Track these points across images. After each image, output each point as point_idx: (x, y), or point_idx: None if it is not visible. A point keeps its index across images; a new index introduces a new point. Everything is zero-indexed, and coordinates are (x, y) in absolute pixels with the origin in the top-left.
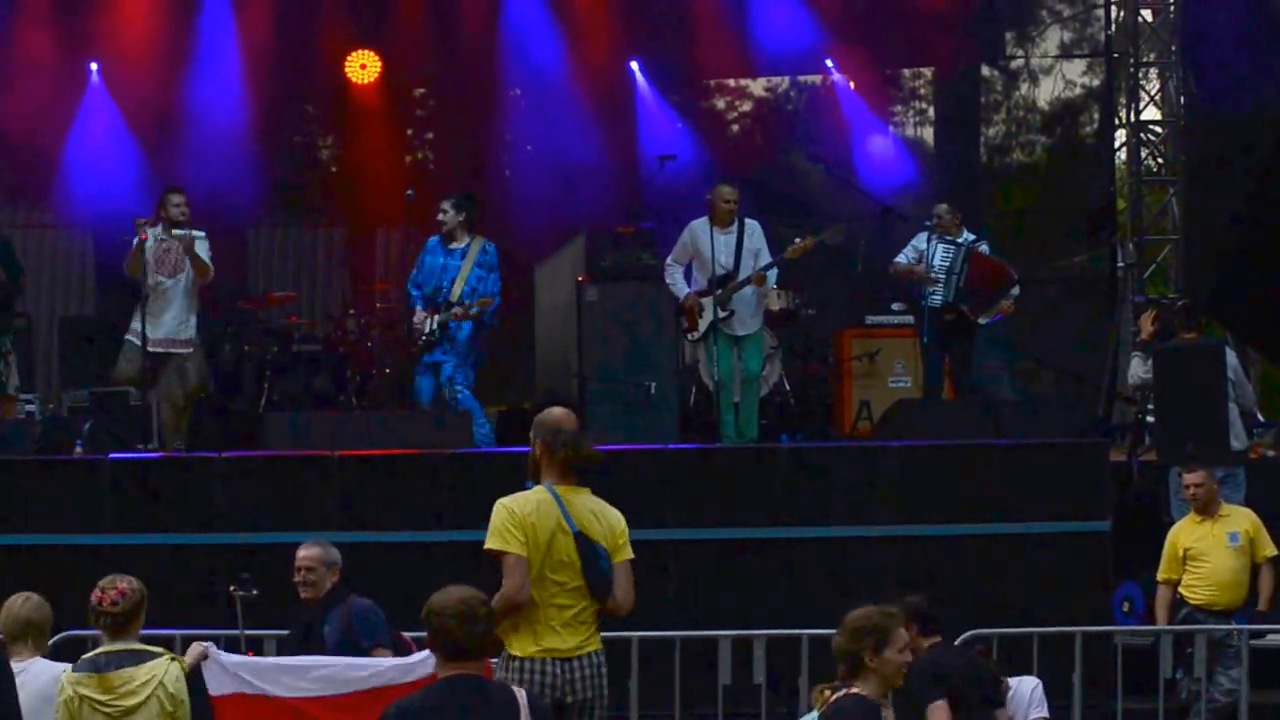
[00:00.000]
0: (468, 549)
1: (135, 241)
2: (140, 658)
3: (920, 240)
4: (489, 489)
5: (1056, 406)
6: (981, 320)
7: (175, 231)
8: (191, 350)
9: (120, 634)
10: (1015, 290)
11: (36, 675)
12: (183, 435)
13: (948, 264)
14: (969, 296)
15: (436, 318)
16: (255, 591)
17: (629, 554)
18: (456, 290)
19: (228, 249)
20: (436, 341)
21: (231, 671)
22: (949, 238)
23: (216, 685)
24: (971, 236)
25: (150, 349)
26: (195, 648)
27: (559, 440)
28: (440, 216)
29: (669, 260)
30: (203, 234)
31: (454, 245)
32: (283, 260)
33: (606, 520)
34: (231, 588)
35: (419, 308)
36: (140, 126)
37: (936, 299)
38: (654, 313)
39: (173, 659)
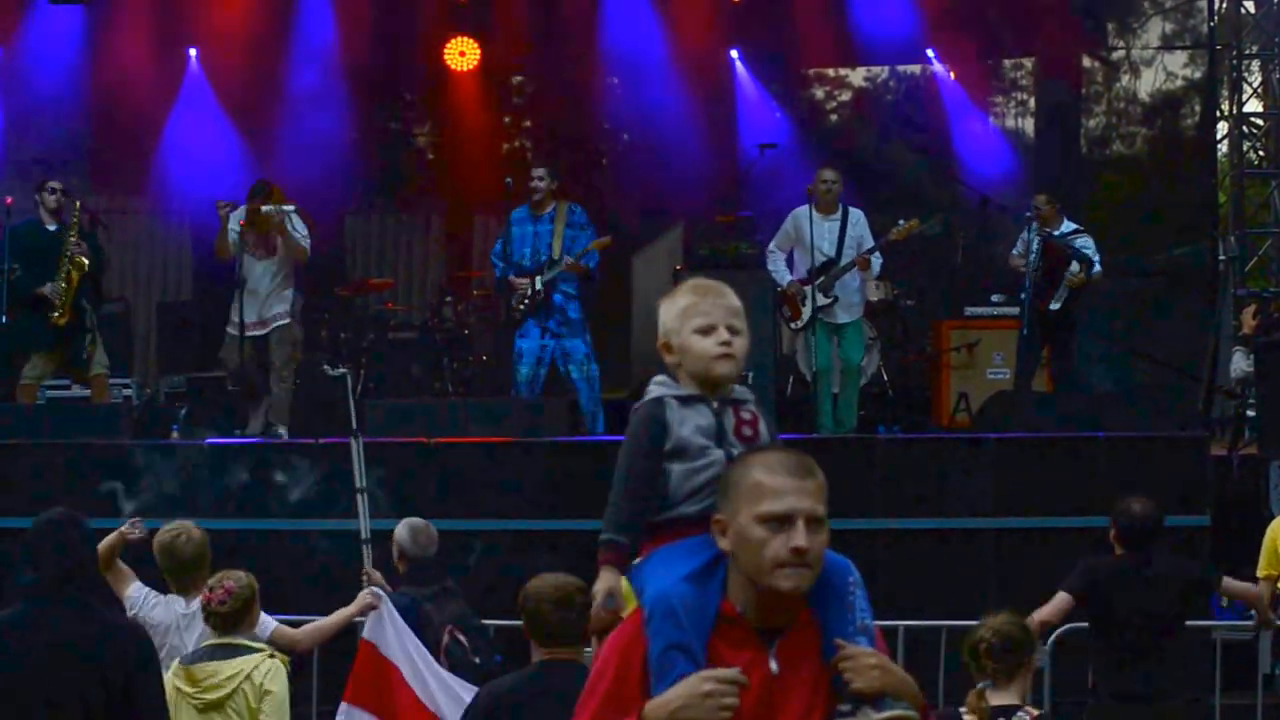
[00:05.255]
0: (565, 536)
1: (230, 239)
2: (233, 653)
3: (1028, 233)
4: (587, 477)
5: (1157, 399)
6: (1053, 305)
7: (265, 208)
8: (289, 320)
9: (227, 630)
10: (1074, 266)
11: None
12: (288, 409)
13: (1035, 256)
14: (1045, 286)
15: (539, 277)
16: (342, 369)
17: None
18: (556, 249)
19: (325, 235)
20: (542, 302)
21: (388, 631)
22: (1047, 230)
23: (370, 632)
24: (1072, 226)
25: (248, 334)
26: (365, 595)
27: None
28: (537, 184)
29: (771, 246)
30: (291, 207)
31: (541, 213)
32: (380, 247)
33: None
34: (325, 367)
35: (511, 275)
36: (238, 112)
37: (1027, 293)
38: (752, 302)
39: (271, 655)
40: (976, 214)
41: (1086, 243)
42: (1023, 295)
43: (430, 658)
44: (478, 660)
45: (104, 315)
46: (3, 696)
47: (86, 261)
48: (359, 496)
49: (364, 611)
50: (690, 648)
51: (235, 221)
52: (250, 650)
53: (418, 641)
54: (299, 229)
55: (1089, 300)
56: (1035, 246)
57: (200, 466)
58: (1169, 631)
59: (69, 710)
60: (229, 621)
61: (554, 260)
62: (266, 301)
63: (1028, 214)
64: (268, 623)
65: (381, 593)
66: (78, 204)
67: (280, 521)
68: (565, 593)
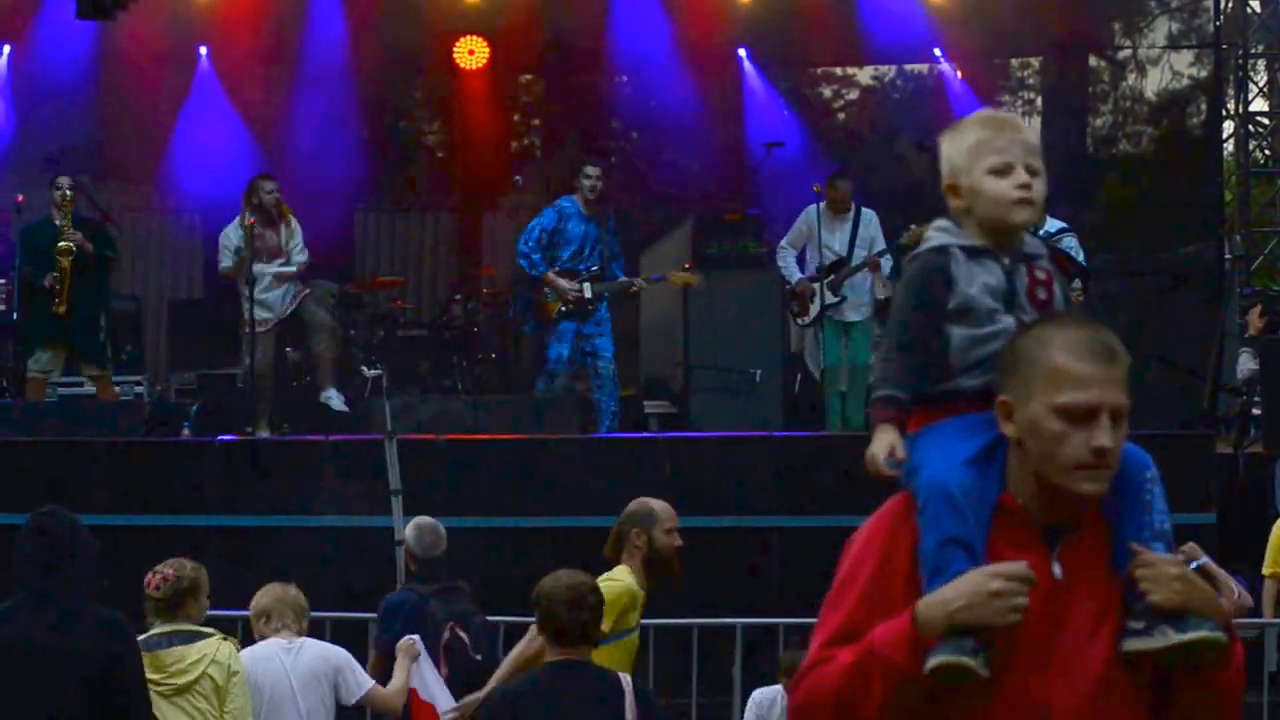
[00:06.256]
0: (574, 534)
1: (233, 258)
2: (192, 638)
3: None
4: (596, 475)
5: (1161, 398)
6: None
7: (276, 270)
8: (309, 290)
9: (168, 617)
10: (1076, 283)
11: (306, 651)
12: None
13: None
14: None
15: (591, 286)
16: (379, 368)
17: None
18: (606, 260)
19: (334, 233)
20: (592, 310)
21: (427, 681)
22: (1031, 228)
23: (418, 682)
24: (1059, 225)
25: (260, 329)
26: (410, 646)
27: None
28: (596, 182)
29: (782, 243)
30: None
31: (594, 213)
32: (389, 244)
33: None
34: (363, 368)
35: (549, 272)
36: (249, 110)
37: None
38: (760, 300)
39: (224, 639)
40: None
41: (1072, 242)
42: None
43: (438, 677)
44: (479, 657)
45: (115, 312)
46: None
47: (73, 246)
48: (394, 498)
49: (415, 658)
50: (971, 542)
51: (235, 238)
52: (206, 635)
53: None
54: (299, 243)
55: (1094, 298)
56: None
57: (212, 464)
58: None
59: (47, 707)
60: (163, 607)
61: (600, 270)
62: (276, 298)
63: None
64: (367, 681)
65: (415, 638)
66: (69, 193)
67: (293, 518)
68: (578, 591)
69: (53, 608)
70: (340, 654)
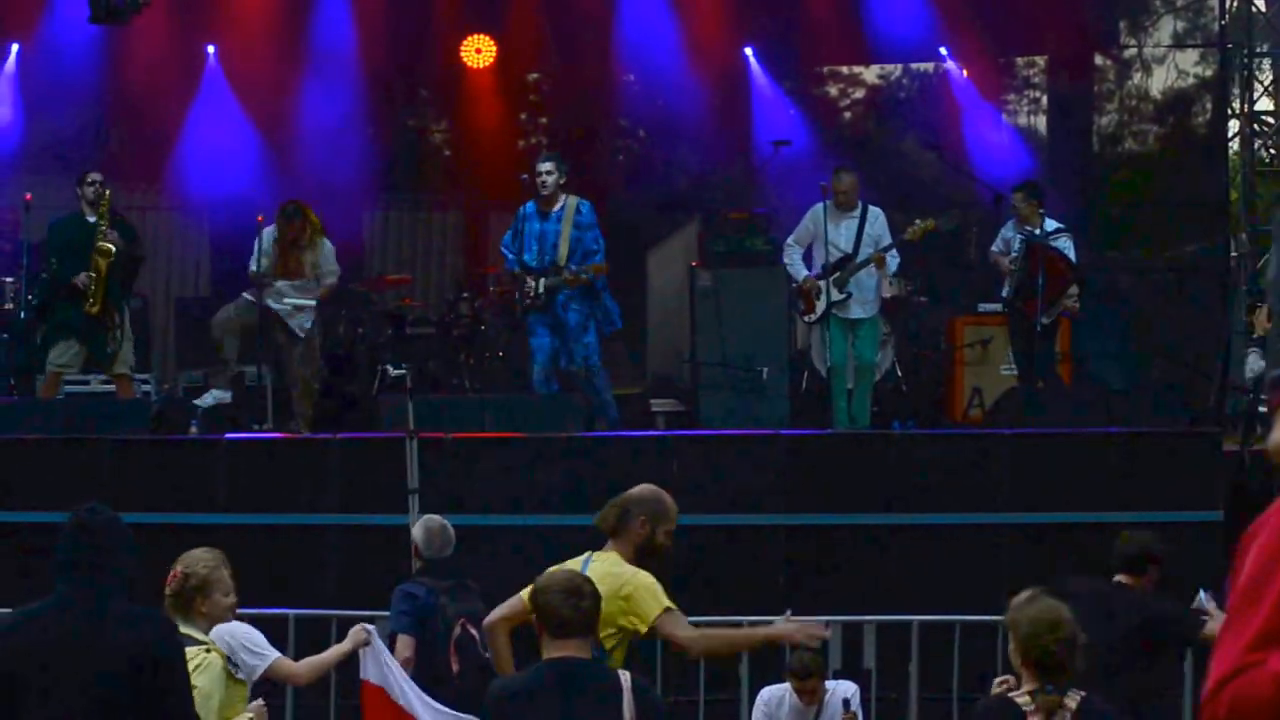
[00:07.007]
0: (579, 533)
1: (260, 263)
2: None
3: (1007, 229)
4: (604, 473)
5: (1168, 396)
6: (1043, 319)
7: (295, 301)
8: (312, 336)
9: (182, 616)
10: (1074, 289)
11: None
12: (308, 418)
13: (1018, 256)
14: (1034, 293)
15: (543, 281)
16: (404, 368)
17: (653, 611)
18: (562, 253)
19: (341, 232)
20: (543, 305)
21: (384, 669)
22: (1028, 228)
23: (369, 672)
24: (1055, 225)
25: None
26: (358, 632)
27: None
28: (545, 178)
29: (789, 241)
30: (327, 243)
31: (550, 209)
32: (396, 243)
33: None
34: (388, 367)
35: (517, 269)
36: (256, 109)
37: (1007, 293)
38: (767, 298)
39: (208, 650)
40: (990, 211)
41: (1067, 244)
42: (1005, 294)
43: (417, 689)
44: (489, 655)
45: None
46: (24, 691)
47: (112, 248)
48: (411, 497)
49: (358, 647)
50: None
51: (269, 242)
52: (191, 642)
53: (404, 673)
54: (330, 264)
55: (1102, 297)
56: (1017, 247)
57: (220, 462)
58: (1115, 666)
59: (87, 703)
60: (175, 605)
61: (558, 265)
62: (285, 306)
63: (1039, 212)
64: (268, 654)
65: (372, 629)
66: (107, 192)
67: (301, 516)
68: (574, 583)
69: (91, 604)
70: (239, 632)
